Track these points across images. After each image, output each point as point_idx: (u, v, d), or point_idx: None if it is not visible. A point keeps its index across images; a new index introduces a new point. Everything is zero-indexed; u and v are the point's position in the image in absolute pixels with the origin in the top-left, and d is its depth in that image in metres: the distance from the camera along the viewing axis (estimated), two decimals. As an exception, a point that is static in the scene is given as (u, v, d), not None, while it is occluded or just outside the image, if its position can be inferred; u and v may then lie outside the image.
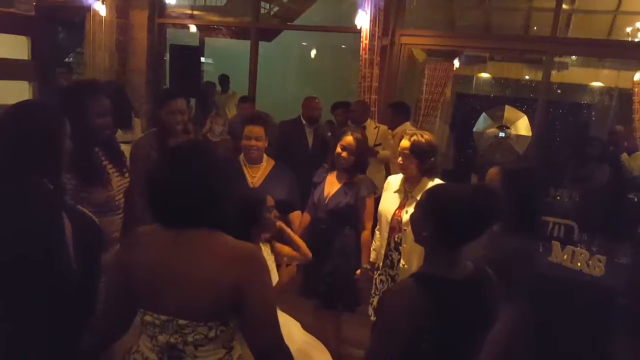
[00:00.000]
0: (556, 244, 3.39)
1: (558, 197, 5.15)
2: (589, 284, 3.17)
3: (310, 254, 2.63)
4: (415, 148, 2.73)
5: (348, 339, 3.36)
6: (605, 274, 3.19)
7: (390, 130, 4.94)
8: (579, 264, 3.29)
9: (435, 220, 1.53)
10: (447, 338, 1.49)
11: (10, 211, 1.55)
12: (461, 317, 1.50)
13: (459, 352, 1.55)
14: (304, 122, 4.97)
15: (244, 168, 3.06)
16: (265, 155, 3.14)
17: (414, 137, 2.75)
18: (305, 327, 2.46)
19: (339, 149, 3.03)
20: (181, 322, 1.44)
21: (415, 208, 1.66)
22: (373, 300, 3.05)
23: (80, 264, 1.66)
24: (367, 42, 5.07)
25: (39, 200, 1.61)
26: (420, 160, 2.75)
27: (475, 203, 1.51)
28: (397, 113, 5.00)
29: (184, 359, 1.48)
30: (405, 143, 2.77)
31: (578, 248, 3.37)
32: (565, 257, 3.34)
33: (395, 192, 2.90)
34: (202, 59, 8.67)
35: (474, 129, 7.04)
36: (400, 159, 2.81)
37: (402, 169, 2.84)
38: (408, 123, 5.02)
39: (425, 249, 1.64)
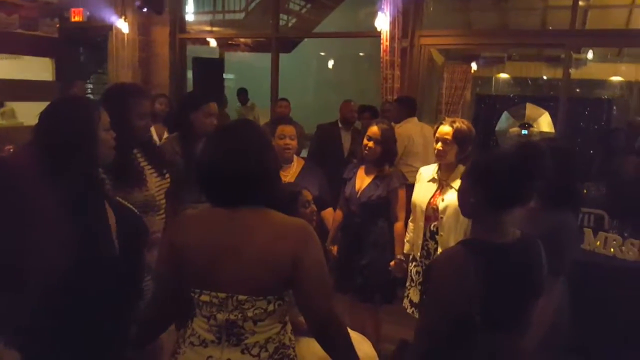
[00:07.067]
0: (588, 231, 3.38)
1: (585, 191, 5.10)
2: (624, 269, 3.16)
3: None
4: (458, 134, 2.70)
5: (385, 335, 3.33)
6: (640, 259, 3.17)
7: (393, 124, 4.87)
8: (612, 250, 3.28)
9: (482, 182, 1.55)
10: (496, 303, 1.50)
11: (56, 199, 1.57)
12: (510, 281, 1.52)
13: (508, 319, 1.56)
14: (340, 125, 5.09)
15: None
16: (294, 155, 3.20)
17: (457, 124, 2.71)
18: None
19: (365, 140, 3.06)
20: (241, 297, 1.46)
21: (461, 180, 1.68)
22: (409, 293, 3.04)
23: (123, 254, 1.66)
24: (388, 43, 5.13)
25: (83, 187, 1.61)
26: (461, 147, 2.73)
27: (519, 157, 1.54)
28: (403, 107, 4.80)
29: (243, 335, 1.49)
30: (447, 129, 2.72)
31: (610, 234, 3.36)
32: (598, 243, 3.33)
33: (429, 181, 2.90)
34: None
35: (496, 128, 7.02)
36: (440, 144, 2.74)
37: (440, 155, 2.77)
38: (415, 119, 4.81)
39: (473, 219, 1.66)
